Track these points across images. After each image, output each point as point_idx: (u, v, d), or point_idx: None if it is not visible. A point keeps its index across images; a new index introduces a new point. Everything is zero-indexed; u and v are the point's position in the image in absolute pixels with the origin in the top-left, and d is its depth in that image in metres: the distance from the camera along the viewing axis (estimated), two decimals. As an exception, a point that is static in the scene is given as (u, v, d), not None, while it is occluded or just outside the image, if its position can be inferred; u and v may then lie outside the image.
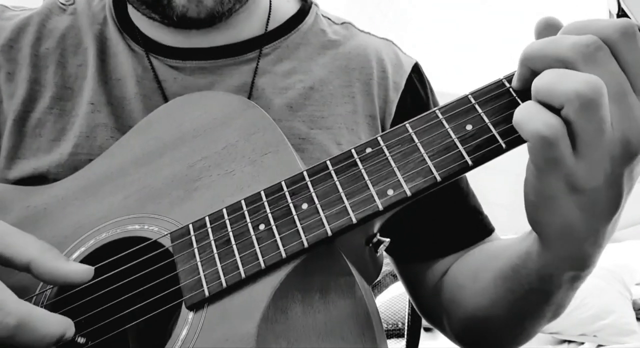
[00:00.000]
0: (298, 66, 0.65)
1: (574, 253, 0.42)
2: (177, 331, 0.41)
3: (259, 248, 0.42)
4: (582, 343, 2.07)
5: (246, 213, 0.43)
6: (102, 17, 0.66)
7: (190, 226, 0.45)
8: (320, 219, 0.41)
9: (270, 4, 0.68)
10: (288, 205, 0.43)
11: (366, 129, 0.64)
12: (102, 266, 0.46)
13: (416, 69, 0.70)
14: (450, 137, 0.40)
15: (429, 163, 0.40)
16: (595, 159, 0.36)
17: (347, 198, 0.41)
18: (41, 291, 0.46)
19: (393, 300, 1.67)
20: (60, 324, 0.38)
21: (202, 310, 0.41)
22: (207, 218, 0.45)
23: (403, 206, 0.41)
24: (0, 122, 0.62)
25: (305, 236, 0.41)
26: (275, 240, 0.42)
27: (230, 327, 0.40)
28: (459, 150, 0.40)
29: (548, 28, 0.39)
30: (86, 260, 0.47)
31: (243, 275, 0.41)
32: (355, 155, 0.43)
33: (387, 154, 0.42)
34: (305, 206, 0.42)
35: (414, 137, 0.42)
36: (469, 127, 0.40)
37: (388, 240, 0.48)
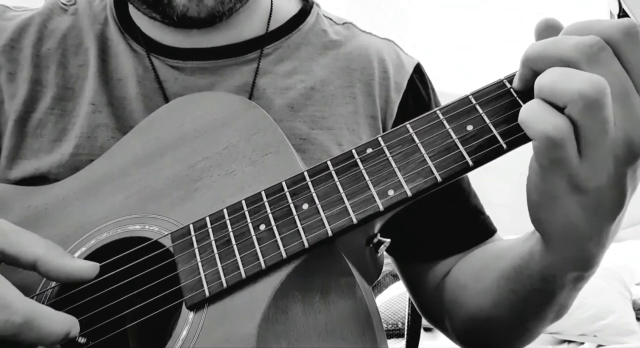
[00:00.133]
0: (299, 66, 0.65)
1: (577, 253, 0.41)
2: (177, 331, 0.41)
3: (260, 248, 0.42)
4: (582, 343, 2.07)
5: (247, 213, 0.43)
6: (103, 17, 0.66)
7: (191, 226, 0.45)
8: (321, 219, 0.41)
9: (272, 3, 0.68)
10: (289, 206, 0.43)
11: (367, 130, 0.64)
12: (102, 266, 0.46)
13: (418, 70, 0.70)
14: (451, 137, 0.40)
15: (430, 163, 0.40)
16: (599, 159, 0.36)
17: (348, 199, 0.41)
18: (42, 291, 0.46)
19: (393, 300, 1.67)
20: (65, 323, 0.38)
21: (203, 310, 0.41)
22: (207, 219, 0.45)
23: (404, 206, 0.41)
24: (2, 122, 0.62)
25: (306, 236, 0.41)
26: (276, 241, 0.42)
27: (231, 327, 0.40)
28: (460, 151, 0.40)
29: (548, 29, 0.39)
30: (87, 260, 0.47)
31: (243, 276, 0.41)
32: (356, 156, 0.43)
33: (388, 155, 0.42)
34: (305, 206, 0.42)
35: (415, 137, 0.42)
36: (469, 128, 0.40)
37: (388, 240, 0.48)
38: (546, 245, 0.43)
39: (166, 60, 0.63)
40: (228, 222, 0.44)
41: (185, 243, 0.44)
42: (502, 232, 0.69)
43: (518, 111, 0.39)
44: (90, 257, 0.47)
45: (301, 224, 0.42)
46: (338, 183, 0.42)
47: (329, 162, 0.43)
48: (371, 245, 0.48)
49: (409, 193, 0.40)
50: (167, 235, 0.45)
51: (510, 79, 0.41)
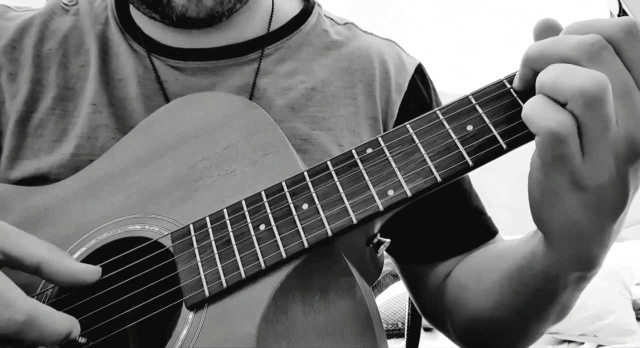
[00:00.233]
0: (300, 67, 0.65)
1: (580, 252, 0.41)
2: (177, 331, 0.41)
3: (259, 248, 0.42)
4: (582, 343, 2.07)
5: (247, 213, 0.44)
6: (104, 18, 0.66)
7: (191, 226, 0.45)
8: (321, 219, 0.41)
9: (273, 4, 0.68)
10: (288, 206, 0.43)
11: (368, 131, 0.64)
12: (103, 266, 0.46)
13: (419, 70, 0.70)
14: (451, 137, 0.40)
15: (430, 163, 0.40)
16: (600, 157, 0.36)
17: (348, 199, 0.41)
18: (42, 290, 0.46)
19: (393, 300, 1.66)
20: (66, 322, 0.38)
21: (203, 310, 0.41)
22: (207, 219, 0.45)
23: (404, 206, 0.41)
24: (3, 122, 0.62)
25: (306, 236, 0.41)
26: (276, 241, 0.42)
27: (231, 327, 0.40)
28: (460, 151, 0.40)
29: (547, 30, 0.39)
30: (87, 260, 0.47)
31: (243, 276, 0.41)
32: (356, 156, 0.43)
33: (388, 155, 0.42)
34: (305, 206, 0.42)
35: (415, 137, 0.42)
36: (469, 128, 0.40)
37: (388, 240, 0.48)
38: (548, 244, 0.43)
39: (167, 61, 0.63)
40: (228, 222, 0.44)
41: (185, 243, 0.44)
42: (502, 232, 0.69)
43: (518, 111, 0.39)
44: (90, 257, 0.47)
45: (301, 224, 0.42)
46: (338, 183, 0.42)
47: (328, 162, 0.43)
48: (371, 245, 0.48)
49: (409, 194, 0.40)
50: (167, 235, 0.45)
51: (510, 79, 0.41)
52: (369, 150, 0.42)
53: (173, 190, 0.48)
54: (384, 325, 0.94)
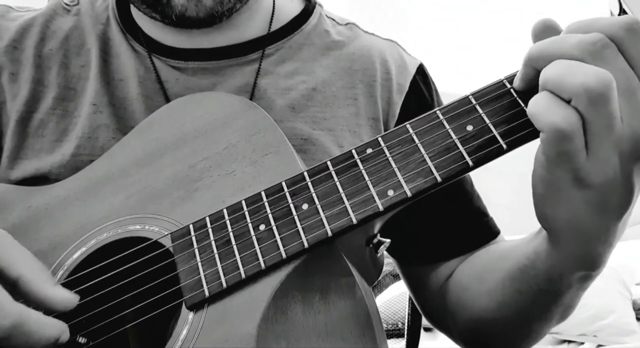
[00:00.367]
0: (301, 67, 0.65)
1: (584, 251, 0.41)
2: (177, 331, 0.41)
3: (259, 248, 0.42)
4: (582, 343, 2.07)
5: (246, 213, 0.44)
6: (105, 18, 0.66)
7: (191, 226, 0.45)
8: (321, 220, 0.41)
9: (274, 4, 0.67)
10: (288, 206, 0.43)
11: (368, 131, 0.64)
12: (102, 266, 0.46)
13: (421, 71, 0.70)
14: (451, 137, 0.40)
15: (430, 164, 0.40)
16: (604, 155, 0.36)
17: (348, 199, 0.41)
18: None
19: (393, 300, 1.66)
20: (55, 327, 0.38)
21: (202, 310, 0.41)
22: (207, 219, 0.45)
23: (404, 207, 0.41)
24: (4, 122, 0.62)
25: (306, 236, 0.41)
26: (276, 241, 0.42)
27: (231, 327, 0.40)
28: (460, 151, 0.40)
29: (546, 30, 0.39)
30: (87, 260, 0.47)
31: (243, 276, 0.41)
32: (356, 156, 0.43)
33: (388, 155, 0.42)
34: (305, 206, 0.42)
35: (415, 137, 0.42)
36: (469, 128, 0.40)
37: (388, 240, 0.48)
38: (552, 243, 0.42)
39: (167, 61, 0.63)
40: (228, 222, 0.44)
41: (185, 244, 0.44)
42: (502, 232, 0.69)
43: (518, 111, 0.39)
44: (90, 257, 0.47)
45: (301, 224, 0.42)
46: (338, 183, 0.42)
47: (328, 162, 0.43)
48: (371, 245, 0.48)
49: (409, 194, 0.40)
50: (167, 235, 0.45)
51: (510, 79, 0.41)
52: (369, 150, 0.43)
53: (173, 190, 0.48)
54: (384, 325, 0.94)
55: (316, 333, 0.42)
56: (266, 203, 0.43)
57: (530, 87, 0.39)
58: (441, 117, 0.41)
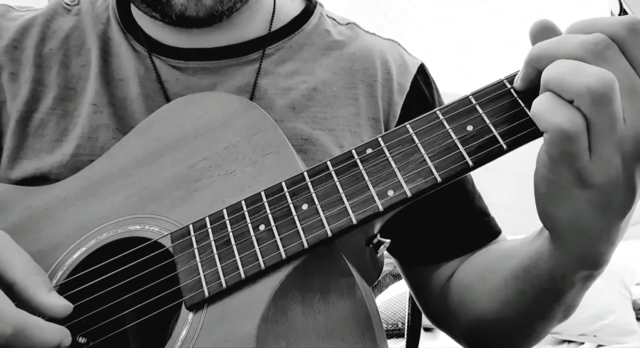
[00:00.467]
0: (301, 67, 0.65)
1: (586, 251, 0.41)
2: (177, 331, 0.41)
3: (259, 248, 0.42)
4: (582, 343, 2.07)
5: (246, 213, 0.43)
6: (106, 17, 0.66)
7: (191, 226, 0.45)
8: (321, 220, 0.41)
9: (275, 3, 0.67)
10: (288, 206, 0.43)
11: (369, 132, 0.64)
12: (102, 266, 0.46)
13: (422, 70, 0.70)
14: (451, 137, 0.40)
15: (430, 164, 0.40)
16: (607, 155, 0.36)
17: (348, 199, 0.41)
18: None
19: (393, 300, 1.66)
20: (56, 333, 0.38)
21: (202, 311, 0.41)
22: (207, 219, 0.45)
23: (404, 207, 0.41)
24: (4, 122, 0.62)
25: (306, 237, 0.41)
26: (276, 241, 0.42)
27: (230, 328, 0.40)
28: (460, 151, 0.40)
29: (544, 31, 0.39)
30: (87, 260, 0.47)
31: (243, 276, 0.41)
32: (356, 156, 0.43)
33: (388, 155, 0.42)
34: (305, 207, 0.42)
35: (415, 137, 0.42)
36: (469, 128, 0.40)
37: (388, 241, 0.48)
38: (555, 243, 0.42)
39: (168, 61, 0.63)
40: (228, 222, 0.44)
41: (184, 244, 0.44)
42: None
43: (518, 111, 0.39)
44: (90, 257, 0.47)
45: (301, 224, 0.42)
46: (338, 183, 0.42)
47: (328, 163, 0.43)
48: (371, 245, 0.48)
49: (409, 194, 0.40)
50: (167, 235, 0.45)
51: (510, 79, 0.41)
52: (369, 151, 0.42)
53: (173, 190, 0.48)
54: (384, 325, 0.94)
55: (316, 334, 0.42)
56: (266, 204, 0.43)
57: (531, 87, 0.39)
58: (441, 117, 0.41)
